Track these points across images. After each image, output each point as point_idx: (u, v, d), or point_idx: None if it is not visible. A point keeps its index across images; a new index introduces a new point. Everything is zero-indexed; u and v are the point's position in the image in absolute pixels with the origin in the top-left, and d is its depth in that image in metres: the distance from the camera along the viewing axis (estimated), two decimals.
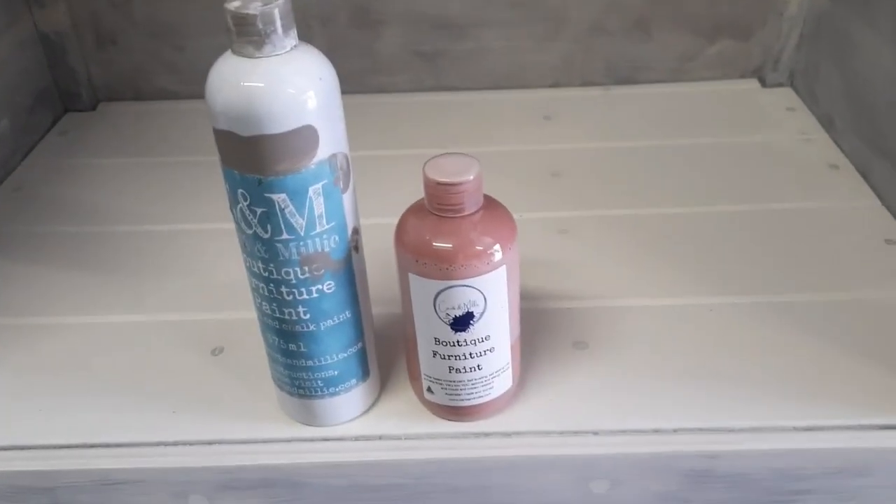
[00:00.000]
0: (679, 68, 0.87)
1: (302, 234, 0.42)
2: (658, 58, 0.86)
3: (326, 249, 0.43)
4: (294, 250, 0.42)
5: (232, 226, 0.44)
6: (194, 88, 0.87)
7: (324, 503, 0.49)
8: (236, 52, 0.39)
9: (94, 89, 0.88)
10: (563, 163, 0.75)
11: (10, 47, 0.79)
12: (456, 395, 0.47)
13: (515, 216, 0.46)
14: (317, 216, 0.42)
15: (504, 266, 0.44)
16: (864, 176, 0.70)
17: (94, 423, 0.51)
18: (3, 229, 0.69)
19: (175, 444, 0.49)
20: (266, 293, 0.44)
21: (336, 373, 0.47)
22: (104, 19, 0.84)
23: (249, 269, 0.45)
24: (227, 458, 0.48)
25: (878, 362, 0.52)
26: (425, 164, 0.44)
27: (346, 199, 0.43)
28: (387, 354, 0.53)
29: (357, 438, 0.49)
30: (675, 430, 0.49)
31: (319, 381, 0.47)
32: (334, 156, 0.41)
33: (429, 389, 0.48)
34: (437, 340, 0.46)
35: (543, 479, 0.49)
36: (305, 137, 0.40)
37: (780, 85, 0.86)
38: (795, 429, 0.48)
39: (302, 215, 0.41)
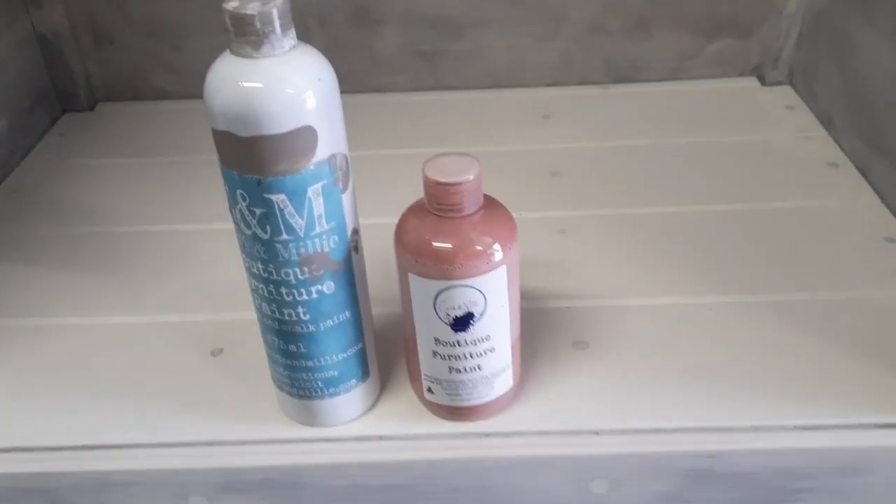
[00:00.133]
0: (678, 67, 0.87)
1: (301, 234, 0.42)
2: (657, 56, 0.86)
3: (326, 250, 0.43)
4: (293, 251, 0.42)
5: (231, 226, 0.44)
6: (192, 88, 0.87)
7: None
8: (234, 53, 0.39)
9: (92, 89, 0.88)
10: (562, 162, 0.75)
11: (7, 48, 0.79)
12: (456, 395, 0.47)
13: (515, 215, 0.46)
14: (316, 217, 0.42)
15: (504, 266, 0.44)
16: (864, 174, 0.70)
17: (94, 425, 0.51)
18: (1, 231, 0.69)
19: (175, 445, 0.49)
20: (266, 294, 0.44)
21: (336, 373, 0.47)
22: (101, 19, 0.84)
23: (249, 269, 0.45)
24: (228, 458, 0.48)
25: (877, 361, 0.52)
26: (425, 163, 0.44)
27: (346, 199, 0.43)
28: (387, 354, 0.53)
29: (357, 439, 0.49)
30: (675, 430, 0.49)
31: (319, 382, 0.47)
32: (333, 156, 0.41)
33: (429, 390, 0.48)
34: (437, 341, 0.46)
35: (544, 479, 0.48)
36: (304, 138, 0.40)
37: (780, 83, 0.86)
38: (795, 428, 0.48)
39: (301, 216, 0.41)
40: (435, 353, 0.46)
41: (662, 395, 0.51)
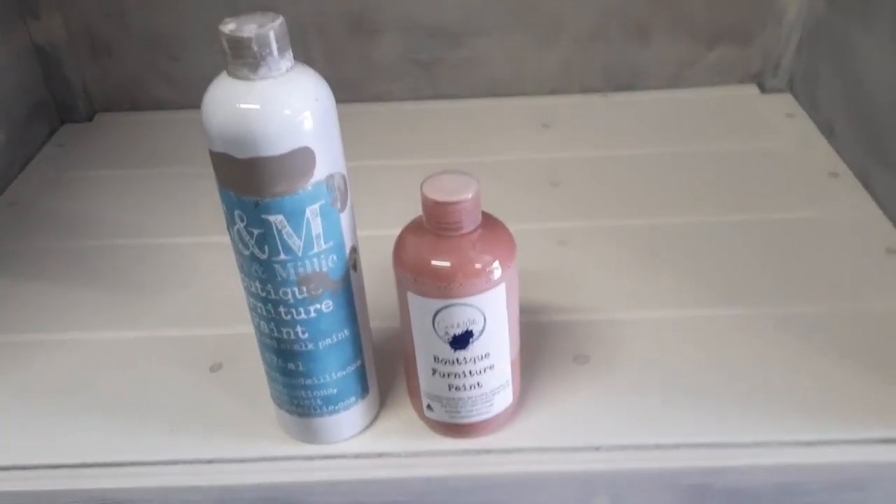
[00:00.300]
0: (678, 74, 0.87)
1: (299, 254, 0.42)
2: (657, 64, 0.86)
3: (324, 269, 0.43)
4: (292, 271, 0.42)
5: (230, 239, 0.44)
6: (190, 98, 0.86)
7: None
8: (231, 75, 0.39)
9: (91, 100, 0.88)
10: (562, 172, 0.75)
11: (5, 60, 0.79)
12: (456, 412, 0.47)
13: (514, 227, 0.46)
14: (314, 237, 0.42)
15: (503, 284, 0.44)
16: (865, 184, 0.70)
17: (93, 442, 0.50)
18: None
19: (174, 462, 0.49)
20: (264, 313, 0.44)
21: (335, 391, 0.47)
22: (99, 30, 0.84)
23: (247, 289, 0.44)
24: (227, 476, 0.48)
25: (878, 375, 0.52)
26: (423, 182, 0.44)
27: (344, 218, 0.43)
28: (386, 370, 0.52)
29: (357, 456, 0.49)
30: (675, 446, 0.48)
31: (318, 400, 0.47)
32: (331, 176, 0.41)
33: (428, 407, 0.48)
34: (436, 358, 0.45)
35: (544, 495, 0.48)
36: (302, 159, 0.39)
37: (780, 91, 0.86)
38: (796, 443, 0.48)
39: (299, 236, 0.41)
40: (434, 371, 0.46)
41: (663, 411, 0.50)
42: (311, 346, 0.45)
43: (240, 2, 0.81)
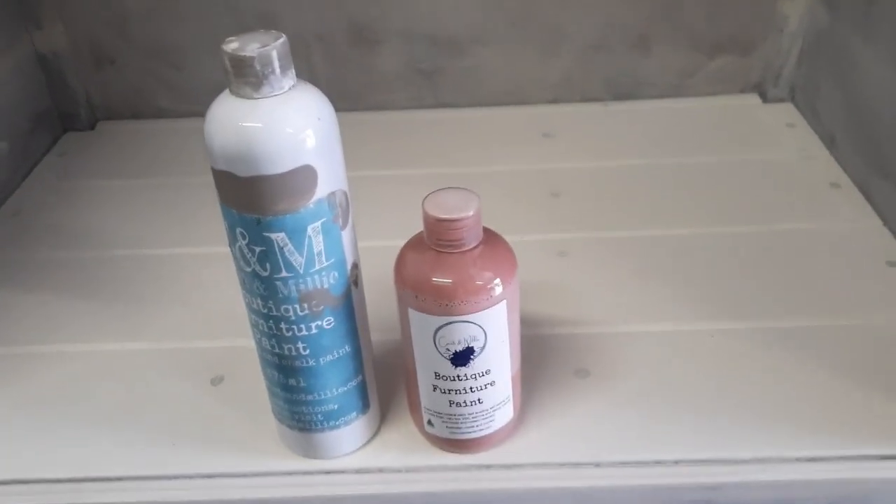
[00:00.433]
0: (679, 84, 0.87)
1: (301, 271, 0.42)
2: (658, 73, 0.86)
3: (326, 286, 0.43)
4: (293, 288, 0.42)
5: None
6: (192, 107, 0.87)
7: None
8: (234, 93, 0.39)
9: (93, 109, 0.88)
10: (562, 182, 0.75)
11: (8, 69, 0.79)
12: (457, 428, 0.47)
13: (514, 238, 0.46)
14: (316, 254, 0.42)
15: (504, 301, 0.44)
16: (866, 195, 0.70)
17: (95, 456, 0.51)
18: (1, 255, 0.69)
19: (175, 477, 0.49)
20: (265, 329, 0.44)
21: (336, 406, 0.47)
22: (102, 39, 0.84)
23: (249, 305, 0.44)
24: (228, 491, 0.48)
25: (880, 390, 0.52)
26: (424, 199, 0.44)
27: (346, 235, 0.43)
28: (386, 384, 0.53)
29: (357, 471, 0.49)
30: (676, 462, 0.48)
31: (319, 415, 0.47)
32: (333, 194, 0.41)
33: (429, 422, 0.48)
34: (437, 375, 0.45)
35: None
36: (304, 177, 0.40)
37: (781, 100, 0.86)
38: (797, 459, 0.48)
39: (301, 253, 0.41)
40: (435, 387, 0.46)
41: (664, 426, 0.50)
42: (312, 363, 0.45)
43: (242, 12, 0.82)
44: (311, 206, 0.40)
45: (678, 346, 0.56)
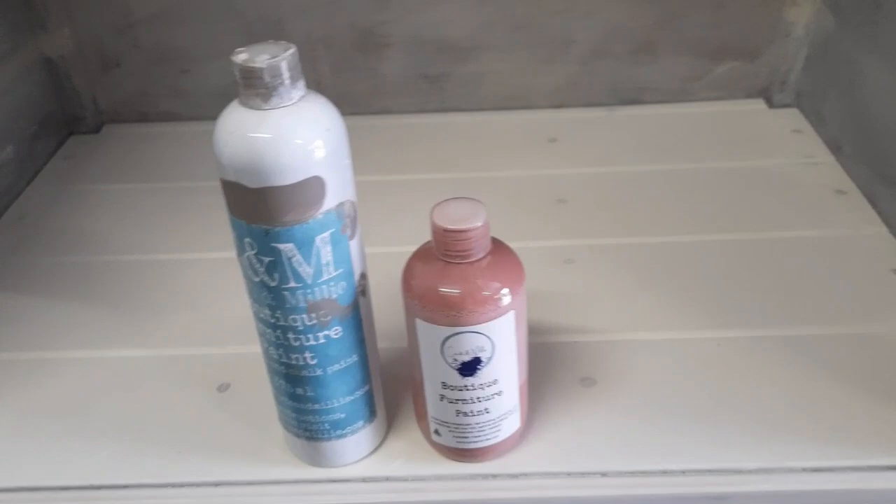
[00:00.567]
0: (684, 89, 0.87)
1: (309, 282, 0.42)
2: (663, 78, 0.86)
3: (334, 296, 0.43)
4: (301, 298, 0.42)
5: None
6: (198, 111, 0.87)
7: None
8: (243, 104, 0.39)
9: (99, 112, 0.88)
10: (568, 188, 0.75)
11: (15, 72, 0.79)
12: (464, 437, 0.47)
13: (520, 245, 0.46)
14: (324, 264, 0.42)
15: (512, 311, 0.44)
16: (872, 203, 0.70)
17: (101, 464, 0.51)
18: (6, 260, 0.69)
19: (181, 485, 0.49)
20: (273, 339, 0.44)
21: (343, 415, 0.47)
22: (108, 42, 0.84)
23: (256, 314, 0.45)
24: (234, 499, 0.48)
25: (886, 399, 0.52)
26: (433, 209, 0.44)
27: (354, 245, 0.43)
28: (393, 392, 0.53)
29: (364, 480, 0.49)
30: (683, 472, 0.48)
31: (326, 424, 0.47)
32: (341, 204, 0.41)
33: (436, 432, 0.48)
34: (444, 385, 0.45)
35: None
36: (313, 188, 0.40)
37: (787, 106, 0.86)
38: (804, 470, 0.48)
39: (309, 264, 0.41)
40: (442, 397, 0.46)
41: (670, 435, 0.50)
42: (319, 372, 0.45)
43: (248, 17, 0.82)
44: (320, 216, 0.40)
45: (685, 355, 0.56)
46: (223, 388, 0.56)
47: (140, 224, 0.73)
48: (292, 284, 0.42)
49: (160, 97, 0.87)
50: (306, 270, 0.41)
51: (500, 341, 0.44)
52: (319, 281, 0.42)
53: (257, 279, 0.42)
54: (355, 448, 0.49)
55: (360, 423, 0.48)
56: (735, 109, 0.86)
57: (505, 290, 0.43)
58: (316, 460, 0.49)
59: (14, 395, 0.56)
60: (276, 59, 0.38)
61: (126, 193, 0.78)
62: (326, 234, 0.41)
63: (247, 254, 0.42)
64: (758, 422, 0.51)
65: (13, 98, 0.79)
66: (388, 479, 0.49)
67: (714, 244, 0.67)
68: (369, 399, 0.48)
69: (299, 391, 0.46)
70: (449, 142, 0.84)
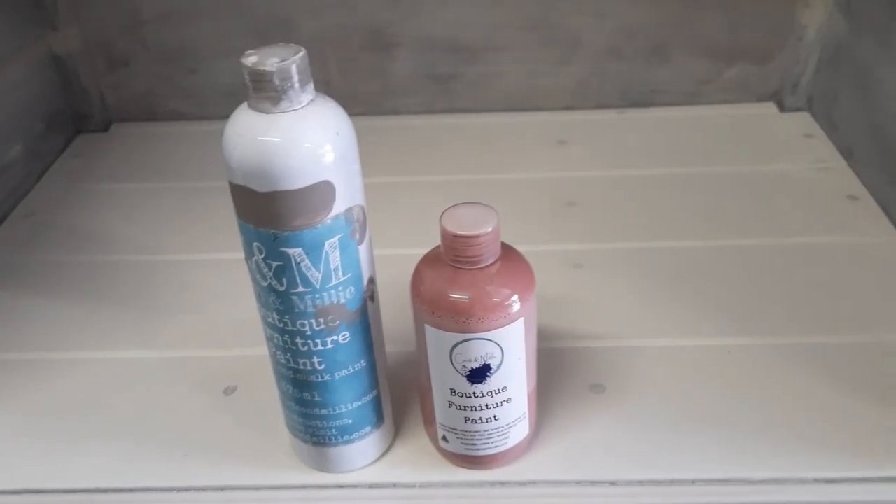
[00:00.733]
0: (695, 91, 0.86)
1: (318, 287, 0.41)
2: (674, 81, 0.86)
3: (342, 301, 0.43)
4: (309, 303, 0.42)
5: None
6: (206, 110, 0.87)
7: None
8: (252, 107, 0.39)
9: (107, 111, 0.88)
10: (578, 191, 0.75)
11: (23, 70, 0.79)
12: (472, 444, 0.47)
13: (529, 248, 0.46)
14: (332, 269, 0.41)
15: (522, 318, 0.43)
16: (884, 209, 0.69)
17: (106, 467, 0.50)
18: (14, 258, 0.69)
19: (186, 489, 0.49)
20: (280, 343, 0.44)
21: (350, 421, 0.47)
22: (117, 41, 0.84)
23: (264, 319, 0.44)
24: None
25: None
26: (442, 214, 0.43)
27: (362, 250, 0.43)
28: (401, 396, 0.52)
29: (370, 486, 0.48)
30: (692, 481, 0.48)
31: (333, 430, 0.47)
32: (350, 209, 0.41)
33: (444, 438, 0.48)
34: (452, 391, 0.45)
35: None
36: (322, 193, 0.39)
37: (799, 110, 0.85)
38: (815, 481, 0.48)
39: (318, 269, 0.41)
40: (450, 404, 0.46)
41: (680, 444, 0.50)
42: (327, 377, 0.44)
43: (257, 16, 0.81)
44: (329, 221, 0.40)
45: (695, 362, 0.56)
46: (229, 391, 0.55)
47: (147, 223, 0.73)
48: (300, 289, 0.41)
49: (168, 96, 0.87)
50: (315, 275, 0.41)
51: (510, 348, 0.44)
52: (328, 286, 0.42)
53: (265, 283, 0.42)
54: (362, 454, 0.49)
55: (368, 428, 0.48)
56: (746, 113, 0.86)
57: (515, 297, 0.43)
58: (322, 466, 0.49)
59: (18, 395, 0.56)
60: (286, 62, 0.37)
61: (133, 192, 0.77)
62: (335, 239, 0.41)
63: (255, 258, 0.41)
64: (769, 431, 0.50)
65: (22, 96, 0.78)
66: (395, 485, 0.48)
67: (724, 249, 0.66)
68: (377, 404, 0.48)
69: (306, 396, 0.45)
70: (458, 143, 0.83)
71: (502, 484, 0.48)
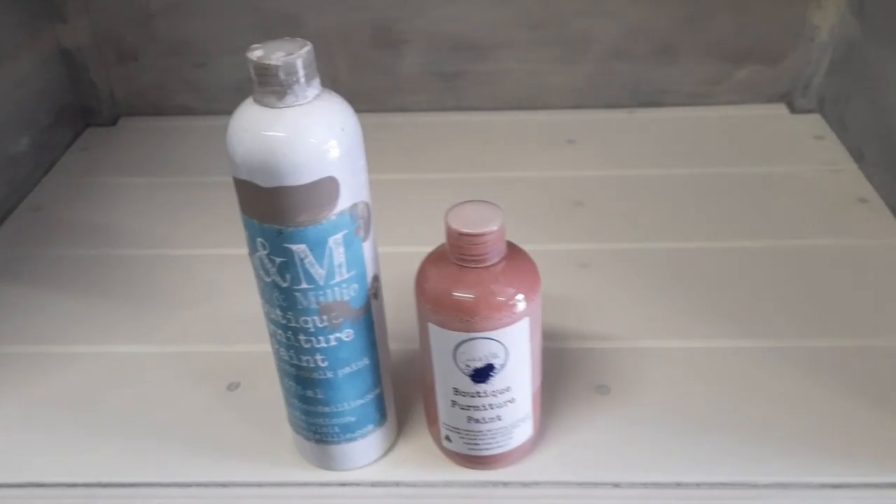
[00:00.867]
0: (705, 92, 0.86)
1: (321, 283, 0.41)
2: (684, 81, 0.85)
3: (346, 298, 0.42)
4: (313, 299, 0.42)
5: None
6: (214, 105, 0.87)
7: None
8: (258, 102, 0.38)
9: (115, 105, 0.88)
10: (585, 191, 0.74)
11: (32, 63, 0.79)
12: (475, 444, 0.47)
13: (535, 247, 0.45)
14: (336, 266, 0.41)
15: (527, 318, 0.43)
16: (895, 212, 0.69)
17: (109, 461, 0.50)
18: (20, 252, 0.69)
19: (188, 485, 0.49)
20: (284, 340, 0.44)
21: (353, 419, 0.46)
22: (125, 36, 0.84)
23: (267, 315, 0.44)
24: (242, 501, 0.48)
25: None
26: (447, 212, 0.43)
27: (367, 247, 0.42)
28: (404, 394, 0.52)
29: (373, 484, 0.48)
30: (697, 485, 0.47)
31: (336, 427, 0.46)
32: (355, 205, 0.41)
33: (447, 438, 0.47)
34: (456, 391, 0.45)
35: None
36: (327, 189, 0.39)
37: (810, 111, 0.85)
38: (822, 486, 0.47)
39: (322, 265, 0.41)
40: (454, 403, 0.45)
41: (685, 447, 0.50)
42: (330, 375, 0.44)
43: (265, 11, 0.81)
44: (334, 217, 0.40)
45: (701, 364, 0.55)
46: (233, 386, 0.55)
47: (154, 218, 0.73)
48: (304, 286, 0.41)
49: (175, 91, 0.87)
50: (318, 272, 0.41)
51: (514, 348, 0.43)
52: (332, 283, 0.41)
53: (269, 279, 0.42)
54: (365, 452, 0.48)
55: (371, 426, 0.47)
56: (756, 114, 0.85)
57: (520, 296, 0.43)
58: (325, 463, 0.49)
59: (21, 388, 0.56)
60: (292, 56, 0.37)
61: (140, 187, 0.77)
62: (339, 236, 0.40)
63: (259, 254, 0.41)
64: (775, 435, 0.50)
65: (30, 89, 0.78)
66: (397, 484, 0.48)
67: (733, 251, 0.66)
68: (380, 402, 0.47)
69: (309, 393, 0.45)
70: (464, 141, 0.83)
71: (505, 484, 0.48)
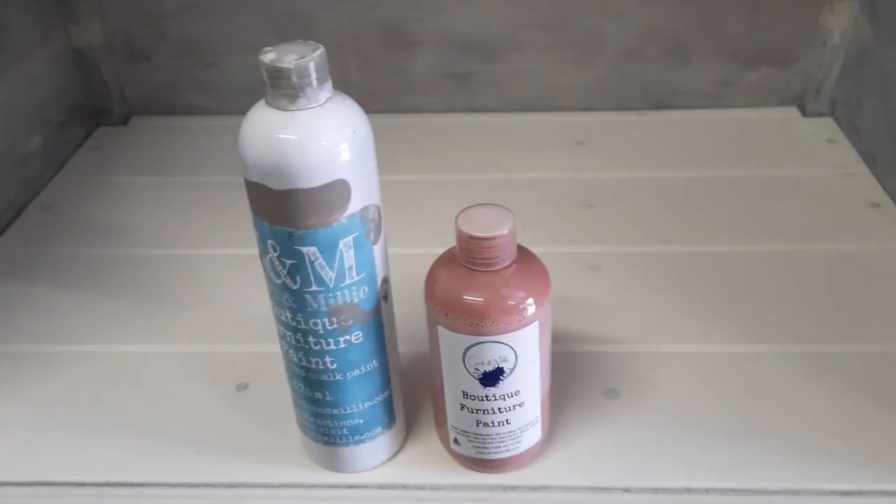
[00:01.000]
0: (717, 94, 0.85)
1: (331, 286, 0.41)
2: (696, 83, 0.85)
3: (355, 301, 0.42)
4: (323, 302, 0.42)
5: None
6: (225, 105, 0.87)
7: None
8: (270, 104, 0.38)
9: (126, 104, 0.88)
10: (596, 193, 0.74)
11: (44, 63, 0.79)
12: (483, 448, 0.47)
13: (545, 249, 0.45)
14: (346, 268, 0.41)
15: (537, 322, 0.43)
16: None
17: (118, 461, 0.50)
18: (30, 250, 0.69)
19: (196, 485, 0.49)
20: (293, 342, 0.44)
21: (361, 421, 0.46)
22: (137, 35, 0.84)
23: (277, 316, 0.44)
24: (250, 502, 0.48)
25: None
26: (458, 215, 0.43)
27: (377, 250, 0.42)
28: (412, 397, 0.52)
29: (381, 487, 0.48)
30: (707, 490, 0.47)
31: (344, 430, 0.46)
32: (366, 208, 0.41)
33: (455, 441, 0.47)
34: (465, 394, 0.45)
35: None
36: (338, 191, 0.39)
37: (822, 115, 0.84)
38: (832, 492, 0.47)
39: (332, 268, 0.41)
40: (463, 406, 0.45)
41: (694, 452, 0.49)
42: (339, 377, 0.44)
43: (276, 12, 0.81)
44: (344, 220, 0.40)
45: (711, 368, 0.55)
46: (242, 387, 0.55)
47: (165, 217, 0.73)
48: (314, 288, 0.41)
49: (187, 90, 0.87)
50: (329, 274, 0.41)
51: (524, 352, 0.43)
52: (342, 285, 0.41)
53: (279, 281, 0.42)
54: (373, 454, 0.48)
55: (379, 429, 0.47)
56: (768, 117, 0.85)
57: (530, 300, 0.43)
58: (333, 465, 0.49)
59: (30, 387, 0.56)
60: (304, 59, 0.37)
61: (151, 186, 0.78)
62: (350, 238, 0.40)
63: (269, 255, 0.41)
64: (786, 441, 0.50)
65: (42, 88, 0.79)
66: (405, 486, 0.48)
67: (744, 255, 0.66)
68: (388, 405, 0.47)
69: (318, 395, 0.45)
70: (476, 142, 0.83)
71: (513, 488, 0.48)
